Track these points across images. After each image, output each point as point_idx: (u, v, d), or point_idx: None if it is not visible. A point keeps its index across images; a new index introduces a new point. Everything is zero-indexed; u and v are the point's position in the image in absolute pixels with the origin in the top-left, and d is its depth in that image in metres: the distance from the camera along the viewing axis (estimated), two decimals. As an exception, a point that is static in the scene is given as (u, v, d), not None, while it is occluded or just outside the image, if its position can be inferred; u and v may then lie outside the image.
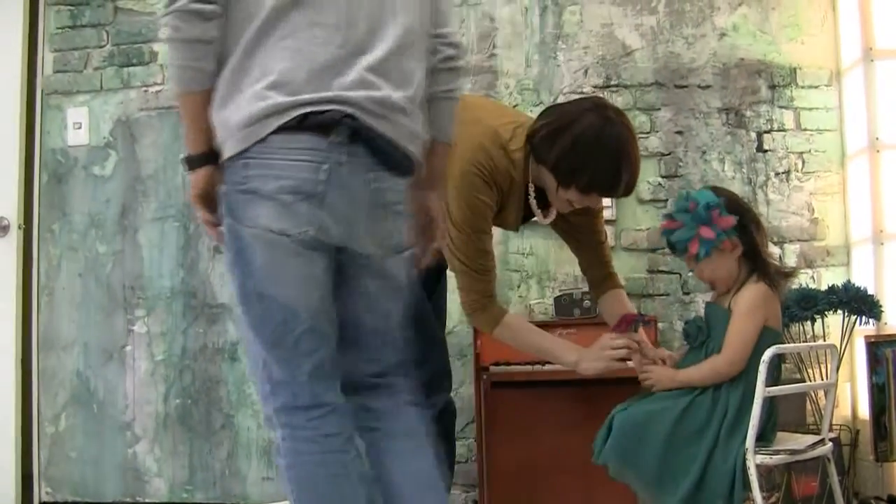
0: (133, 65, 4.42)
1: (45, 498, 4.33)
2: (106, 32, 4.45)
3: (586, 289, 3.89)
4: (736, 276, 2.76)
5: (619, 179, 2.66)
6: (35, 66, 4.44)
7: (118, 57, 4.43)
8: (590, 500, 3.71)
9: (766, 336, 2.69)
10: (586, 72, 4.18)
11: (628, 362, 2.86)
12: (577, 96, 3.89)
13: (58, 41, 4.47)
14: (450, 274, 3.07)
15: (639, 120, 4.05)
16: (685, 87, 4.16)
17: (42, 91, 4.46)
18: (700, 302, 3.94)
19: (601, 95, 3.98)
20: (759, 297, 2.71)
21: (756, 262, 2.76)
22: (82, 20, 4.46)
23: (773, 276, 2.75)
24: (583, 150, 2.63)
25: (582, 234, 3.02)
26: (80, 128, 4.41)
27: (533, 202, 2.82)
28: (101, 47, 4.45)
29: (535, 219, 2.91)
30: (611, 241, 4.03)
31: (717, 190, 2.81)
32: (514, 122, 2.78)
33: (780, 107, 4.13)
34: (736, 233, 2.73)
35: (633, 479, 2.73)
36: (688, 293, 4.09)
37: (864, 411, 3.66)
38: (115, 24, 4.44)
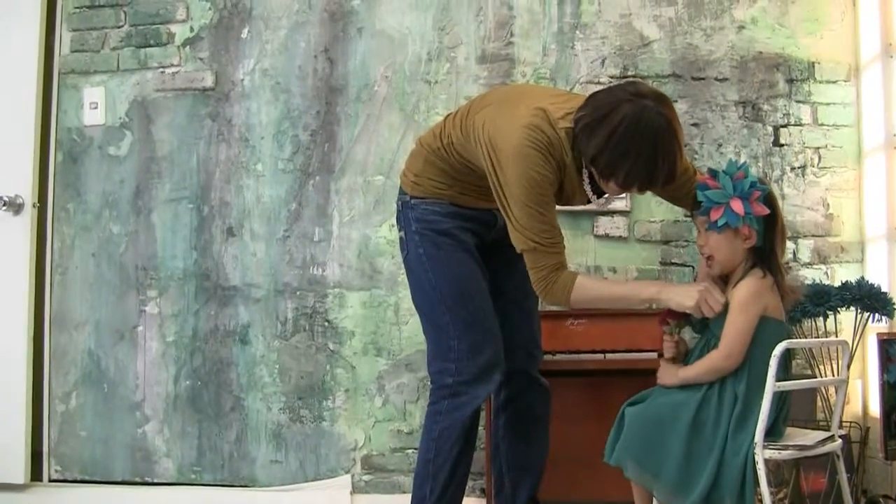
0: (150, 46, 4.41)
1: (54, 476, 4.34)
2: (123, 13, 4.45)
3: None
4: (736, 264, 2.75)
5: (655, 174, 2.63)
6: (52, 45, 4.44)
7: (135, 38, 4.43)
8: (597, 490, 3.71)
9: (769, 326, 2.68)
10: (603, 62, 4.17)
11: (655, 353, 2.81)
12: (594, 87, 3.84)
13: (75, 21, 4.47)
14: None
15: (655, 111, 4.02)
16: (702, 79, 4.14)
17: (59, 70, 4.45)
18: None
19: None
20: (754, 290, 2.69)
21: (763, 259, 2.74)
22: (100, 0, 4.45)
23: (778, 274, 2.73)
24: (617, 148, 2.59)
25: (674, 190, 2.90)
26: (96, 108, 4.41)
27: (588, 188, 2.79)
28: (119, 28, 4.45)
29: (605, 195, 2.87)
30: (624, 232, 4.06)
31: (761, 181, 2.76)
32: (565, 107, 2.73)
33: (798, 101, 4.11)
34: (760, 226, 2.71)
35: (651, 482, 2.70)
36: (700, 286, 4.07)
37: (875, 409, 3.64)
38: (133, 4, 4.44)
